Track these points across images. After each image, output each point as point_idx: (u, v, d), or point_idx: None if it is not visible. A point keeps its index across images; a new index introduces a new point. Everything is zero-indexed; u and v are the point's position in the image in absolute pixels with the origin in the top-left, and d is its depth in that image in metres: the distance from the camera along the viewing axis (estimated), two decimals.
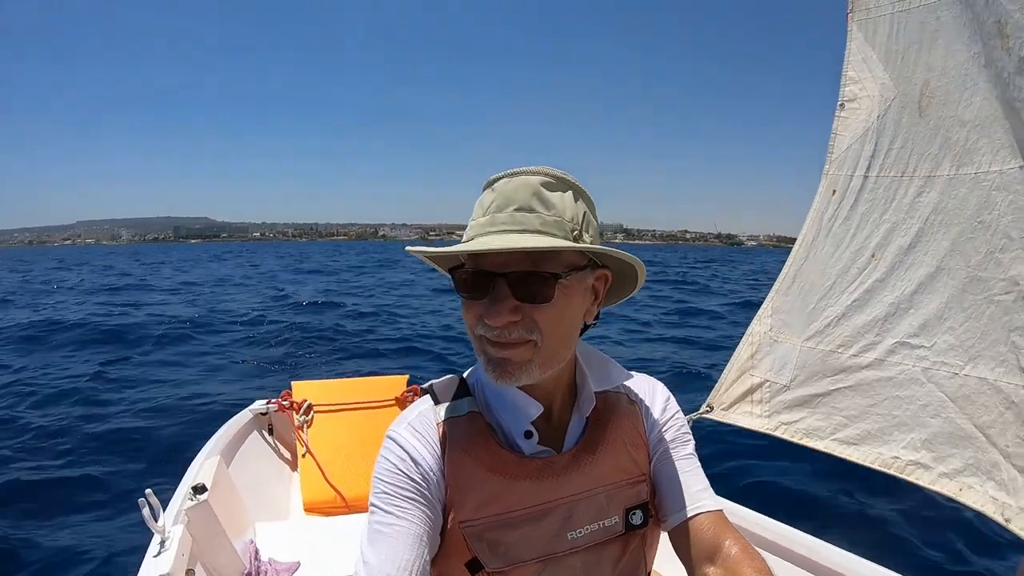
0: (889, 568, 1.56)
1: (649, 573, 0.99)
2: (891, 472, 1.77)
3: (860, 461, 1.85)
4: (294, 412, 2.95)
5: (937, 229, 1.72)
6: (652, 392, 1.04)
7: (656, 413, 1.02)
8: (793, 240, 2.19)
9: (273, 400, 3.04)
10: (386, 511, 0.83)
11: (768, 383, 2.12)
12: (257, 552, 2.07)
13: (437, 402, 0.93)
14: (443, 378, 0.98)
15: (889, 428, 1.80)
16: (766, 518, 1.85)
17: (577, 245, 0.80)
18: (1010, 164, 1.50)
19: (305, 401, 2.97)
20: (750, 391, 2.16)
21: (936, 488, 1.65)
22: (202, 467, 2.17)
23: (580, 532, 0.89)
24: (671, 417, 1.02)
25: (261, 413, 3.02)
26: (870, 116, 1.89)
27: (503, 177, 0.84)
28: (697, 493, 0.96)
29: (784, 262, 2.17)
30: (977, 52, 1.54)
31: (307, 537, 2.24)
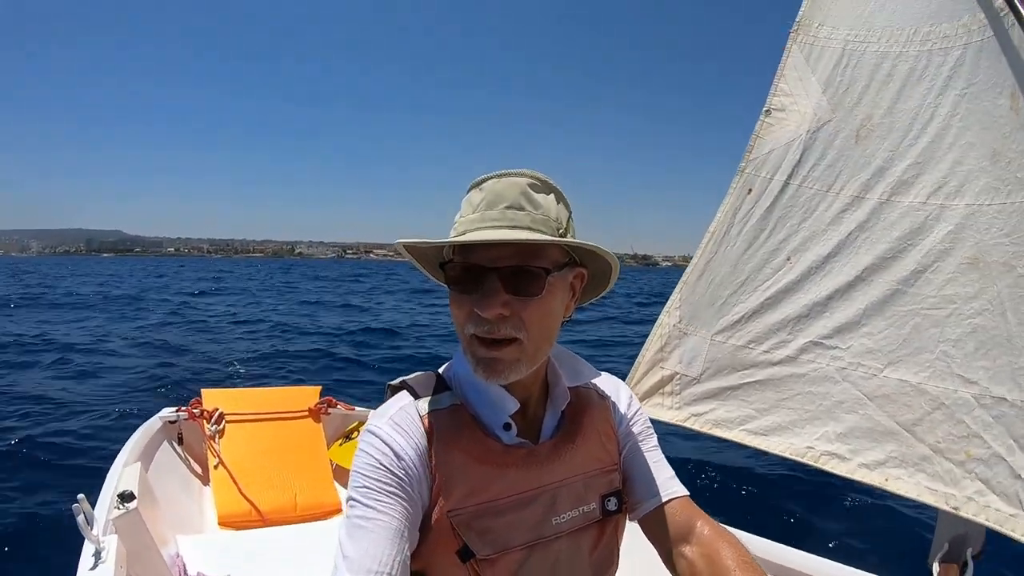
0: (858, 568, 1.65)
1: (618, 558, 1.05)
2: (805, 461, 1.80)
3: (771, 450, 1.88)
4: (204, 421, 2.79)
5: (860, 245, 1.79)
6: (617, 389, 1.11)
7: (623, 409, 1.09)
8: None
9: (183, 408, 2.87)
10: (366, 505, 0.83)
11: (679, 376, 2.13)
12: (185, 568, 1.98)
13: (417, 397, 0.94)
14: (416, 374, 1.00)
15: (801, 421, 1.83)
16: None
17: (570, 240, 0.88)
18: (965, 200, 1.62)
19: (216, 410, 2.83)
20: (661, 383, 2.17)
21: (856, 477, 1.69)
22: (123, 474, 2.06)
23: (563, 517, 0.94)
24: (636, 412, 1.10)
25: (170, 421, 2.85)
26: (799, 129, 1.94)
27: (491, 178, 0.89)
28: (666, 481, 1.03)
29: None
30: (946, 101, 1.68)
31: (231, 551, 2.16)
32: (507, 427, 0.93)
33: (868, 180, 1.81)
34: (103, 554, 1.53)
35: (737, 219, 2.05)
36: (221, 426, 2.79)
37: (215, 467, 2.65)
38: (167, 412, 2.87)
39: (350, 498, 0.85)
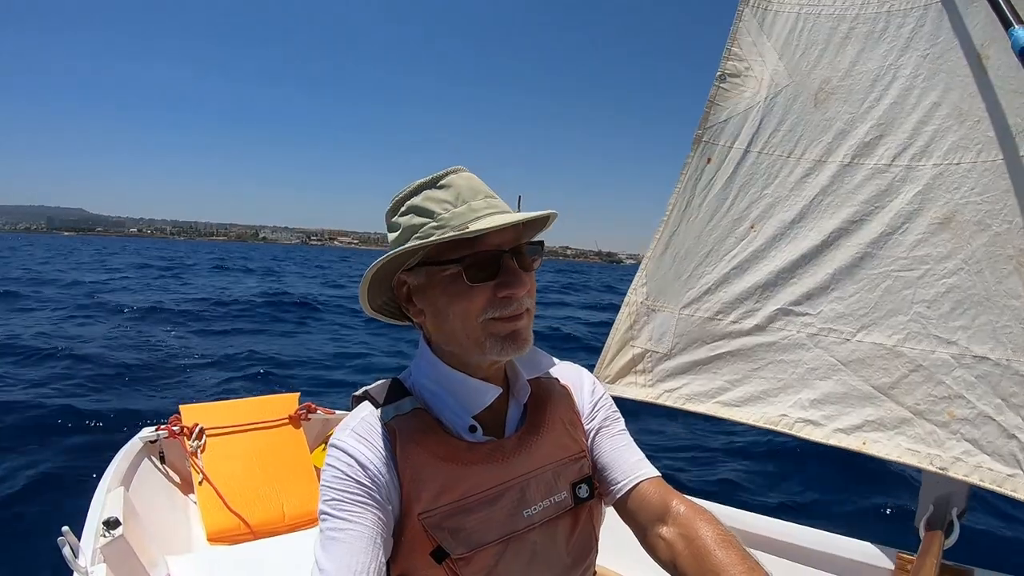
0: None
1: (597, 544, 1.06)
2: (779, 429, 1.80)
3: (745, 420, 1.88)
4: (185, 438, 2.76)
5: (824, 209, 1.78)
6: (579, 377, 1.12)
7: (586, 395, 1.09)
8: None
9: (162, 426, 2.83)
10: (338, 517, 0.83)
11: (650, 353, 2.12)
12: None
13: (378, 406, 0.94)
14: (377, 383, 1.00)
15: (774, 390, 1.83)
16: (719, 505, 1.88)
17: (554, 212, 0.94)
18: (932, 161, 1.62)
19: (196, 425, 2.78)
20: (633, 362, 2.17)
21: (833, 442, 1.69)
22: (107, 499, 2.03)
23: (535, 509, 0.94)
24: (600, 398, 1.10)
25: (151, 441, 2.81)
26: (756, 96, 1.93)
27: (448, 175, 0.91)
28: (637, 463, 1.03)
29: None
30: (908, 62, 1.68)
31: (221, 568, 2.14)
32: (472, 429, 0.94)
33: (830, 144, 1.79)
34: None
35: (698, 190, 2.03)
36: (202, 441, 2.75)
37: (200, 483, 2.61)
38: (147, 432, 2.83)
39: (321, 512, 0.85)
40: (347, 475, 0.86)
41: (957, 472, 1.45)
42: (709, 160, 2.00)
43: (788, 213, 1.83)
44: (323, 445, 3.16)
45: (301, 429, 3.04)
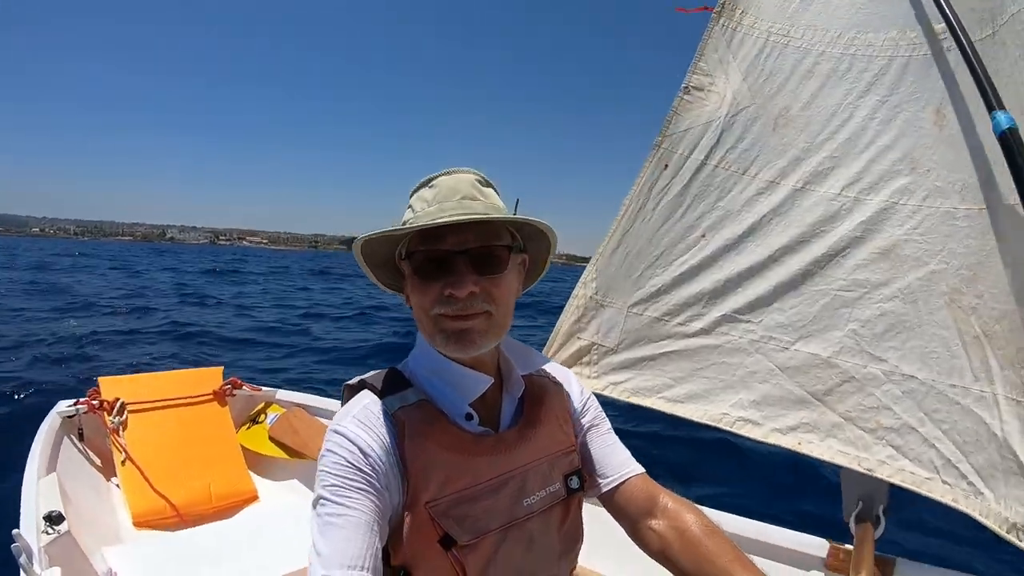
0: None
1: (583, 532, 1.11)
2: (720, 426, 1.89)
3: (688, 416, 1.96)
4: (106, 413, 2.60)
5: (774, 227, 1.85)
6: (567, 377, 1.17)
7: (576, 396, 1.15)
8: (583, 259, 2.23)
9: (81, 400, 2.65)
10: (336, 502, 0.84)
11: (596, 346, 2.18)
12: None
13: (381, 395, 0.96)
14: (374, 373, 1.02)
15: (716, 390, 1.92)
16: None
17: (529, 219, 0.94)
18: (880, 197, 1.70)
19: (117, 400, 2.63)
20: (579, 353, 2.22)
21: (770, 441, 1.80)
22: (40, 488, 1.92)
23: (533, 499, 0.99)
24: (588, 398, 1.17)
25: (68, 416, 2.62)
26: (717, 111, 1.96)
27: (441, 175, 0.95)
28: (625, 460, 1.11)
29: (576, 280, 2.23)
30: (866, 104, 1.76)
31: (156, 560, 2.04)
32: (469, 417, 0.97)
33: (784, 167, 1.86)
34: None
35: (653, 193, 2.06)
36: (123, 417, 2.61)
37: (122, 463, 2.49)
38: (64, 406, 2.64)
39: (320, 496, 0.86)
40: (348, 462, 0.87)
41: (882, 473, 1.58)
42: (666, 166, 2.04)
43: (739, 227, 1.89)
44: (248, 423, 3.07)
45: (227, 407, 2.94)
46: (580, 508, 1.08)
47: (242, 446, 2.87)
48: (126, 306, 13.77)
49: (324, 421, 2.96)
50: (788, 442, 1.76)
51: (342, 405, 1.01)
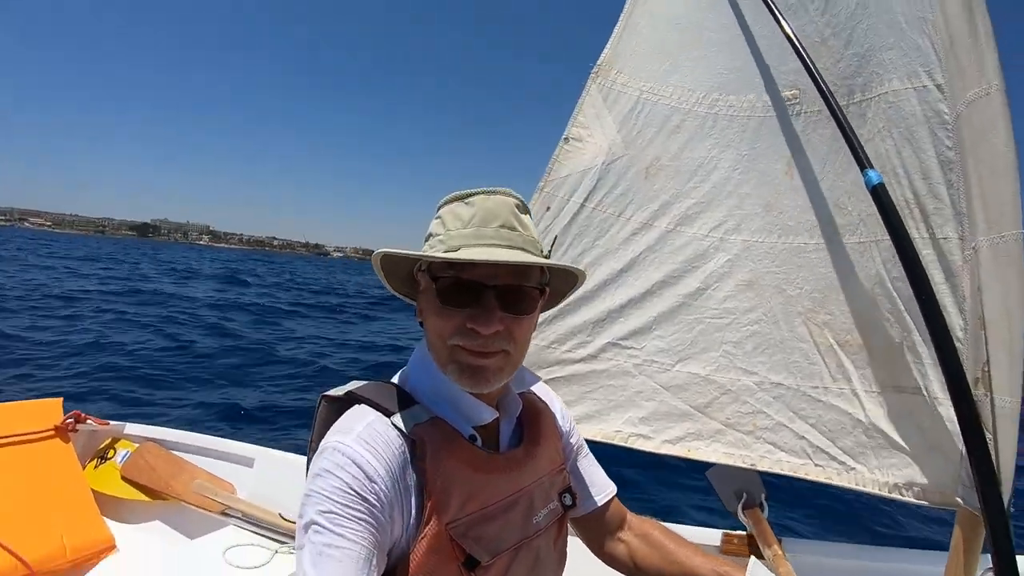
0: None
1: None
2: (615, 442, 2.02)
3: (584, 435, 2.10)
4: None
5: (649, 264, 2.01)
6: (551, 397, 1.19)
7: (561, 417, 1.18)
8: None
9: None
10: (333, 531, 0.78)
11: None
12: None
13: (386, 413, 0.90)
14: (366, 385, 0.96)
15: (607, 409, 2.04)
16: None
17: (565, 264, 0.93)
18: (742, 236, 1.91)
19: None
20: None
21: (663, 451, 1.94)
22: None
23: (540, 516, 1.00)
24: (571, 420, 1.22)
25: None
26: (595, 159, 2.11)
27: (479, 193, 0.91)
28: (605, 479, 1.20)
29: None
30: (728, 157, 1.96)
31: None
32: (472, 439, 0.95)
33: (656, 211, 2.02)
34: None
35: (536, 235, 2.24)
36: None
37: None
38: None
39: (313, 522, 0.79)
40: (351, 488, 0.80)
41: (763, 466, 1.78)
42: (548, 208, 2.16)
43: (617, 263, 2.04)
44: (95, 461, 2.75)
45: (70, 443, 2.60)
46: (566, 525, 1.11)
47: (94, 490, 2.61)
48: None
49: (184, 456, 2.72)
50: (679, 451, 1.92)
51: (317, 416, 0.97)
